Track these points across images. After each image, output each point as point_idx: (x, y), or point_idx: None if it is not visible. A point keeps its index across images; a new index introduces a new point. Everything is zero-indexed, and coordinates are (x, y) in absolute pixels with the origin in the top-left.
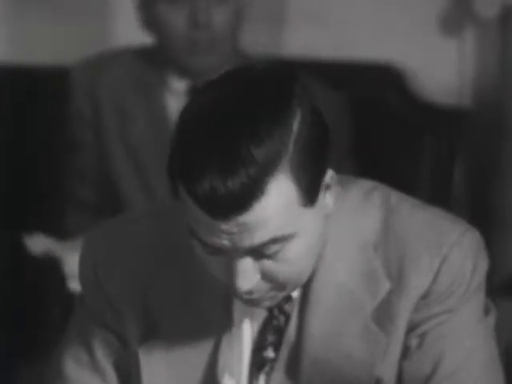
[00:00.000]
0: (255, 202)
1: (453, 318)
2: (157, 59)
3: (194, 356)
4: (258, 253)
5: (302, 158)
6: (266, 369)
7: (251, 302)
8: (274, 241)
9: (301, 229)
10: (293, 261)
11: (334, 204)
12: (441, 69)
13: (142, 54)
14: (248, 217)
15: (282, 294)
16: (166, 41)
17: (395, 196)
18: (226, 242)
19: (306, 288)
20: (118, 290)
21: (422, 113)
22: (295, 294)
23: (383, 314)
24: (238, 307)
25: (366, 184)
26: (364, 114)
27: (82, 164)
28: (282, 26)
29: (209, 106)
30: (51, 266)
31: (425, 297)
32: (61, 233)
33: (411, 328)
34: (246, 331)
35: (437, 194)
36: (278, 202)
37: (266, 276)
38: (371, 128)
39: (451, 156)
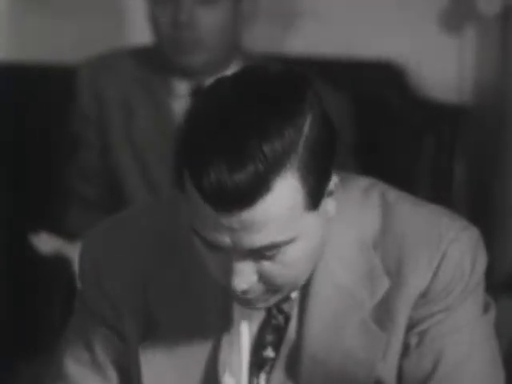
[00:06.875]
0: (260, 198)
1: (452, 316)
2: (159, 59)
3: (194, 354)
4: (257, 255)
5: (310, 159)
6: (267, 368)
7: (245, 302)
8: (274, 245)
9: (302, 233)
10: (291, 264)
11: (335, 208)
12: (441, 66)
13: (147, 54)
14: (251, 213)
15: (277, 297)
16: (156, 40)
17: (393, 193)
18: (227, 240)
19: (306, 287)
20: (117, 289)
21: (422, 110)
22: (294, 293)
23: (382, 313)
24: (237, 306)
25: (363, 182)
26: (363, 112)
27: (87, 162)
28: (283, 24)
29: (222, 100)
30: (56, 266)
31: (424, 294)
32: (64, 232)
33: (411, 326)
34: (245, 330)
35: (437, 192)
36: (282, 202)
37: (262, 277)
38: (371, 125)
39: (451, 153)
